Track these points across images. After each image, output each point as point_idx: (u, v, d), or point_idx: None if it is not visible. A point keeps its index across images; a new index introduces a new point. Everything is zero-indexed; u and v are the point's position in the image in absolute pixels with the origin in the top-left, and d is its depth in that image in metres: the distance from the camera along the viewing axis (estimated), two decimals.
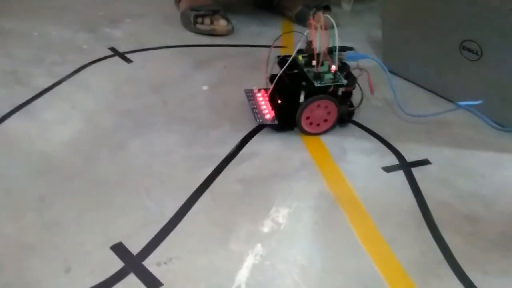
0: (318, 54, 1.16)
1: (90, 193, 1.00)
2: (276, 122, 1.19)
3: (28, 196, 0.98)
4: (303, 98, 1.15)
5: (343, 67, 1.19)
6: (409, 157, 1.15)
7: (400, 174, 1.10)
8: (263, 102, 1.26)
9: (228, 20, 1.75)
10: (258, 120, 1.19)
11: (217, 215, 0.96)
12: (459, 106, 1.19)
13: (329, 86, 1.14)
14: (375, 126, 1.25)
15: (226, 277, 0.83)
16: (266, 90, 1.28)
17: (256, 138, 1.20)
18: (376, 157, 1.15)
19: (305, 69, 1.18)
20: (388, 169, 1.11)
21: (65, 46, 1.59)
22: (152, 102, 1.32)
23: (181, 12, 1.80)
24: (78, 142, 1.15)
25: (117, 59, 1.53)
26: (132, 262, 0.85)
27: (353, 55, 1.20)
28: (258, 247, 0.90)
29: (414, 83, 1.46)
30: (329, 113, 1.19)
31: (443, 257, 0.89)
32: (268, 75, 1.23)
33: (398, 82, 1.45)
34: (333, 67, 1.16)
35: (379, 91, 1.34)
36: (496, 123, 1.25)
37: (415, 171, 1.11)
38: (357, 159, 1.14)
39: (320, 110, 1.17)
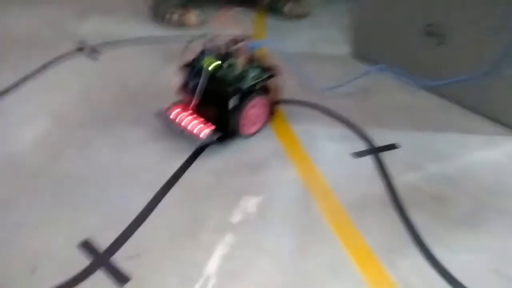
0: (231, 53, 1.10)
1: (56, 191, 0.98)
2: (217, 135, 1.09)
3: None
4: (231, 105, 1.08)
5: (253, 58, 1.14)
6: (378, 142, 1.16)
7: (369, 159, 1.11)
8: (186, 119, 1.10)
9: (197, 11, 1.73)
10: (199, 140, 1.07)
11: (187, 207, 0.96)
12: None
13: (256, 84, 1.12)
14: (344, 113, 1.26)
15: (195, 269, 0.83)
16: (180, 105, 1.14)
17: None
18: (346, 144, 1.16)
19: (219, 73, 1.09)
20: (357, 154, 1.12)
21: (31, 41, 1.55)
22: (120, 98, 1.30)
23: (150, 5, 1.77)
24: (43, 140, 1.13)
25: (84, 54, 1.50)
26: (99, 258, 0.84)
27: (253, 45, 1.15)
28: (229, 236, 0.89)
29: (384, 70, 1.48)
30: (258, 110, 1.15)
31: (410, 238, 0.91)
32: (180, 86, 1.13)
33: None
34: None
35: (349, 78, 1.35)
36: None
37: (384, 155, 1.12)
38: (326, 146, 1.15)
39: (253, 109, 1.13)
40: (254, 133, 1.17)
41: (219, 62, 1.10)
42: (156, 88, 1.34)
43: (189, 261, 0.84)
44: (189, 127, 1.10)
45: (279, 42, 1.44)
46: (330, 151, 1.13)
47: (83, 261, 0.83)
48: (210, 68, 1.09)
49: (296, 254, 0.87)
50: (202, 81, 1.07)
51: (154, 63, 1.48)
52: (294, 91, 1.29)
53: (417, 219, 0.95)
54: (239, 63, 1.12)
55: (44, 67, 1.42)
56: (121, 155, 1.09)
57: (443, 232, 0.93)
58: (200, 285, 0.80)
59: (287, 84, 1.22)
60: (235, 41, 1.13)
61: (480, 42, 1.20)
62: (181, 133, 1.10)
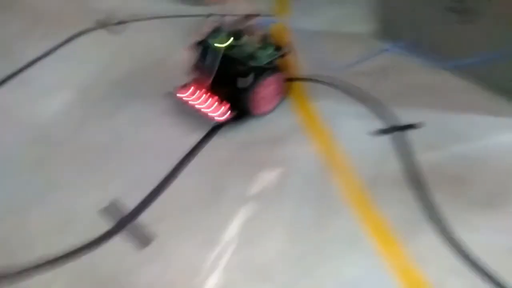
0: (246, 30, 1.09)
1: (82, 158, 1.02)
2: (231, 115, 1.09)
3: (22, 162, 1.00)
4: (245, 84, 1.06)
5: (266, 36, 1.12)
6: (400, 121, 1.15)
7: (389, 138, 1.11)
8: (200, 100, 1.11)
9: None
10: (214, 120, 1.08)
11: (207, 177, 0.98)
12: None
13: (270, 62, 1.11)
14: (366, 91, 1.25)
15: (215, 234, 0.85)
16: (192, 85, 1.14)
17: None
18: (366, 121, 1.15)
19: (232, 51, 1.09)
20: (377, 132, 1.12)
21: (54, 17, 1.58)
22: (140, 72, 1.31)
23: None
24: (68, 111, 1.16)
25: (106, 30, 1.52)
26: (123, 221, 0.87)
27: (263, 21, 1.14)
28: (248, 206, 0.91)
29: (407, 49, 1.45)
30: (272, 89, 1.14)
31: (429, 216, 0.91)
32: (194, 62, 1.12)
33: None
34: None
35: (372, 58, 1.33)
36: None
37: (405, 134, 1.11)
38: (346, 123, 1.15)
39: (266, 88, 1.12)
40: (268, 112, 1.16)
41: (232, 40, 1.09)
42: (176, 63, 1.34)
43: (209, 227, 0.87)
44: (203, 107, 1.09)
45: (295, 19, 1.41)
46: (350, 127, 1.13)
47: (108, 222, 0.87)
48: (222, 47, 1.08)
49: (313, 226, 0.88)
50: (214, 60, 1.06)
51: (176, 38, 1.48)
52: (314, 68, 1.28)
53: (436, 197, 0.95)
54: (252, 41, 1.10)
55: (68, 41, 1.44)
56: (141, 127, 1.11)
57: (462, 211, 0.92)
58: (219, 250, 0.83)
59: (307, 61, 1.21)
60: (247, 18, 1.11)
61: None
62: (196, 113, 1.10)
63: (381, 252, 0.84)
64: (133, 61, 1.36)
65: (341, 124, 1.14)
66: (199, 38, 1.11)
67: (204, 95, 1.11)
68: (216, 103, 1.09)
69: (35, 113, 1.14)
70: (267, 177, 0.98)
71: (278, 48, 1.12)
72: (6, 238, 0.83)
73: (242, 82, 1.06)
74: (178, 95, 1.13)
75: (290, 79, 1.21)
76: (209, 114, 1.07)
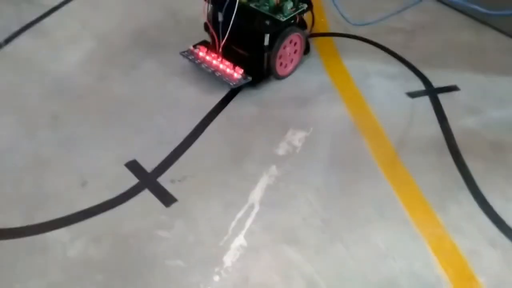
0: None
1: (104, 111, 0.98)
2: (249, 78, 1.00)
3: (42, 113, 0.97)
4: (268, 41, 0.96)
5: None
6: (436, 83, 1.08)
7: (425, 100, 1.04)
8: (216, 61, 1.02)
9: None
10: (231, 84, 0.98)
11: (232, 136, 0.94)
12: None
13: (294, 17, 1.00)
14: (402, 50, 1.17)
15: (240, 196, 0.83)
16: (208, 44, 1.06)
17: None
18: (401, 82, 1.08)
19: (252, 4, 0.99)
20: (412, 94, 1.05)
21: None
22: (165, 22, 1.25)
23: None
24: (90, 61, 1.12)
25: None
26: (146, 178, 0.85)
27: None
28: (273, 168, 0.88)
29: (448, 5, 1.34)
30: (296, 47, 1.05)
31: (464, 183, 0.86)
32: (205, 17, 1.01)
33: (433, 5, 1.33)
34: None
35: (408, 13, 1.23)
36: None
37: (442, 97, 1.05)
38: (380, 84, 1.08)
39: (290, 46, 1.03)
40: (290, 73, 1.08)
41: None
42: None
43: (234, 188, 0.84)
44: (220, 69, 1.01)
45: None
46: (383, 88, 1.07)
47: (131, 179, 0.85)
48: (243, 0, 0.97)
49: (341, 190, 0.85)
50: (233, 14, 0.93)
51: None
52: (344, 25, 1.20)
53: (472, 165, 0.90)
54: None
55: None
56: (164, 81, 1.07)
57: (499, 180, 0.88)
58: (243, 212, 0.80)
59: (339, 17, 1.12)
60: None
61: None
62: (212, 75, 1.02)
63: (412, 219, 0.80)
64: (158, 10, 1.29)
65: (373, 84, 1.08)
66: None
67: (218, 56, 1.01)
68: (231, 67, 1.00)
69: (54, 64, 1.10)
70: (294, 139, 0.94)
71: (302, 1, 1.02)
72: (24, 196, 0.82)
73: (268, 39, 0.96)
74: (189, 57, 1.05)
75: (320, 35, 1.13)
76: (227, 75, 1.00)
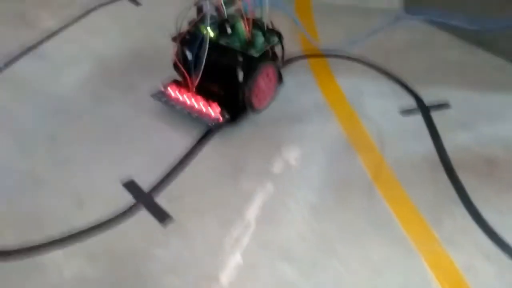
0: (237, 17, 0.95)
1: (101, 132, 1.00)
2: (227, 116, 0.97)
3: (39, 134, 0.99)
4: (243, 77, 0.94)
5: (258, 21, 0.98)
6: (429, 100, 1.10)
7: (418, 117, 1.06)
8: (190, 101, 0.98)
9: None
10: (210, 124, 0.96)
11: (228, 155, 0.95)
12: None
13: (267, 50, 0.98)
14: (393, 68, 1.20)
15: (236, 213, 0.83)
16: (178, 82, 1.02)
17: None
18: (393, 100, 1.10)
19: (223, 41, 0.96)
20: (405, 112, 1.07)
21: None
22: (162, 45, 1.28)
23: None
24: (88, 83, 1.14)
25: (126, 1, 1.48)
26: (143, 198, 0.86)
27: (249, 5, 0.97)
28: (269, 185, 0.89)
29: (434, 23, 1.38)
30: (270, 79, 1.03)
31: (458, 198, 0.87)
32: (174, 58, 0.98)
33: (422, 25, 1.37)
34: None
35: (399, 33, 1.27)
36: None
37: (434, 114, 1.07)
38: (373, 102, 1.10)
39: (265, 80, 1.01)
40: (267, 106, 1.06)
41: (223, 27, 0.96)
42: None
43: (230, 205, 0.85)
44: (195, 109, 0.97)
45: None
46: (376, 106, 1.09)
47: (128, 199, 0.85)
48: (212, 36, 0.94)
49: (337, 207, 0.85)
50: (204, 52, 0.91)
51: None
52: (337, 44, 1.23)
53: (466, 180, 0.91)
54: (243, 27, 0.96)
55: (87, 12, 1.41)
56: (160, 103, 1.08)
57: (493, 194, 0.88)
58: (240, 229, 0.81)
59: (330, 36, 1.15)
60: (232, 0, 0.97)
61: None
62: (189, 116, 0.98)
63: (408, 234, 0.81)
64: (155, 32, 1.32)
65: (365, 102, 1.10)
66: (179, 29, 0.97)
67: (192, 95, 0.98)
68: (207, 105, 0.97)
69: (53, 85, 1.13)
70: (289, 156, 0.95)
71: (272, 33, 1.00)
72: (20, 215, 0.83)
73: (243, 75, 0.94)
74: (161, 99, 1.01)
75: (314, 55, 1.16)
76: (203, 118, 0.97)
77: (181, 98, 0.99)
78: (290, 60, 1.21)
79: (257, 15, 0.98)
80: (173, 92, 1.00)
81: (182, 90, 0.99)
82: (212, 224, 0.82)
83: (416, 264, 0.76)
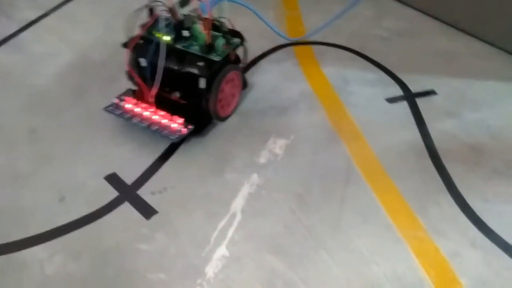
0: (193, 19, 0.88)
1: (81, 125, 0.97)
2: (191, 127, 0.89)
3: (19, 128, 0.96)
4: (205, 84, 0.86)
5: (217, 22, 0.90)
6: (414, 88, 1.10)
7: (403, 105, 1.06)
8: (148, 113, 0.89)
9: None
10: (172, 138, 0.87)
11: (213, 146, 0.94)
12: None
13: (228, 54, 0.90)
14: (380, 57, 1.19)
15: (221, 205, 0.82)
16: (134, 92, 0.94)
17: (254, 69, 1.14)
18: (380, 88, 1.10)
19: (179, 45, 0.89)
20: (391, 100, 1.07)
21: None
22: None
23: None
24: (68, 75, 1.11)
25: None
26: (126, 191, 0.84)
27: (207, 4, 0.88)
28: (254, 177, 0.88)
29: (424, 12, 1.37)
30: (234, 84, 0.96)
31: (443, 186, 0.87)
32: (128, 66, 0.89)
33: (409, 12, 1.37)
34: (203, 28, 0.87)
35: (387, 21, 1.26)
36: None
37: (420, 101, 1.07)
38: (359, 90, 1.09)
39: (228, 85, 0.93)
40: (232, 112, 0.99)
41: (180, 31, 0.88)
42: None
43: (215, 198, 0.84)
44: (155, 122, 0.88)
45: None
46: (363, 95, 1.08)
47: (111, 193, 0.83)
48: (168, 40, 0.86)
49: (323, 197, 0.85)
50: (161, 59, 0.82)
51: None
52: (322, 33, 1.21)
53: (452, 168, 0.91)
54: (201, 29, 0.88)
55: (65, 2, 1.37)
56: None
57: (478, 182, 0.89)
58: (225, 221, 0.80)
59: (315, 25, 1.13)
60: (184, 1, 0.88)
61: None
62: (148, 129, 0.89)
63: (394, 223, 0.81)
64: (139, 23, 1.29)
65: (352, 91, 1.09)
66: (131, 34, 0.89)
67: (150, 106, 0.89)
68: (168, 115, 0.89)
69: (32, 78, 1.09)
70: (275, 147, 0.94)
71: (233, 34, 0.93)
72: (4, 211, 0.80)
73: (205, 82, 0.86)
74: (115, 112, 0.91)
75: (299, 43, 1.14)
76: (164, 131, 0.88)
77: (138, 110, 0.90)
78: (275, 49, 1.20)
79: (216, 14, 0.90)
80: (129, 103, 0.91)
81: (139, 101, 0.91)
82: (197, 216, 0.80)
83: (402, 253, 0.76)
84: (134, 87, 0.95)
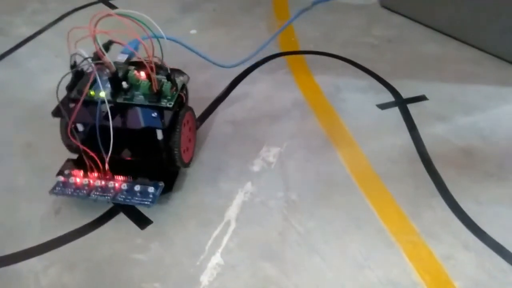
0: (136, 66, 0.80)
1: None
2: (162, 184, 0.81)
3: (15, 141, 0.97)
4: (162, 134, 0.79)
5: (159, 63, 0.80)
6: (405, 94, 1.11)
7: (395, 111, 1.07)
8: (102, 182, 0.79)
9: None
10: (147, 203, 0.78)
11: (207, 156, 0.95)
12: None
13: (179, 97, 0.80)
14: (371, 64, 1.20)
15: (215, 214, 0.83)
16: (75, 162, 0.83)
17: (247, 79, 1.16)
18: (371, 95, 1.11)
19: (120, 99, 0.77)
20: (383, 106, 1.08)
21: None
22: None
23: None
24: (64, 90, 1.12)
25: (100, 5, 1.47)
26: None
27: (131, 47, 0.79)
28: (248, 185, 0.88)
29: (413, 19, 1.40)
30: (190, 126, 0.89)
31: (436, 190, 0.88)
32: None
33: (398, 20, 1.39)
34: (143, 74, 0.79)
35: (377, 29, 1.28)
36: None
37: (411, 107, 1.08)
38: (351, 97, 1.10)
39: (185, 128, 0.85)
40: (193, 155, 0.92)
41: (111, 83, 0.77)
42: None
43: (209, 206, 0.84)
44: (118, 190, 0.79)
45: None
46: (354, 101, 1.09)
47: (106, 204, 0.84)
48: (107, 96, 0.75)
49: (317, 204, 0.85)
50: (105, 118, 0.72)
51: (172, 13, 1.44)
52: (315, 42, 1.23)
53: (444, 171, 0.92)
54: (140, 75, 0.79)
55: (61, 19, 1.39)
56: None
57: (471, 185, 0.89)
58: (219, 230, 0.80)
59: (307, 34, 1.15)
60: (106, 46, 0.78)
61: None
62: (111, 204, 0.81)
63: (387, 228, 0.81)
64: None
65: (344, 98, 1.10)
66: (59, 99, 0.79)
67: (105, 175, 0.80)
68: (127, 180, 0.80)
69: (27, 94, 1.11)
70: (268, 155, 0.95)
71: (176, 73, 0.85)
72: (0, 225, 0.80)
73: (161, 132, 0.79)
74: (65, 192, 0.79)
75: (291, 53, 1.16)
76: (135, 199, 0.79)
77: (92, 183, 0.79)
78: (267, 59, 1.22)
79: (142, 54, 0.77)
80: (77, 178, 0.79)
81: (89, 172, 0.80)
82: (191, 225, 0.81)
83: (396, 257, 0.76)
84: (73, 157, 0.85)
